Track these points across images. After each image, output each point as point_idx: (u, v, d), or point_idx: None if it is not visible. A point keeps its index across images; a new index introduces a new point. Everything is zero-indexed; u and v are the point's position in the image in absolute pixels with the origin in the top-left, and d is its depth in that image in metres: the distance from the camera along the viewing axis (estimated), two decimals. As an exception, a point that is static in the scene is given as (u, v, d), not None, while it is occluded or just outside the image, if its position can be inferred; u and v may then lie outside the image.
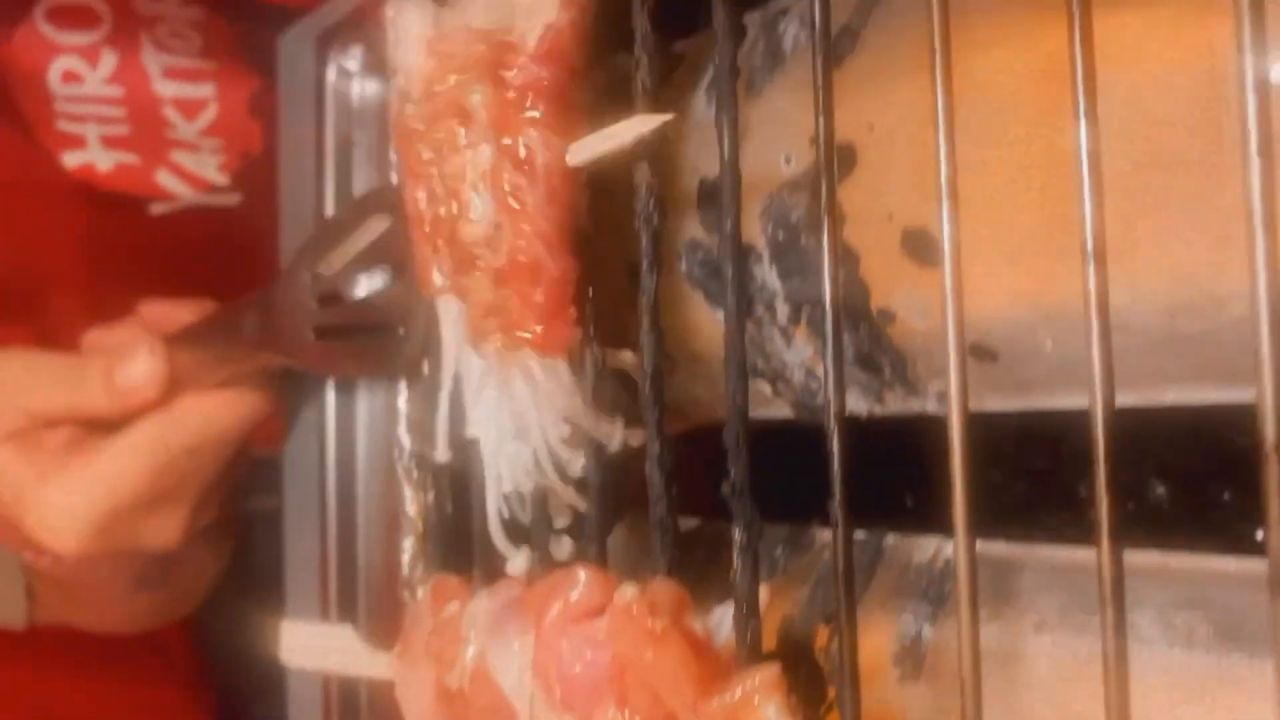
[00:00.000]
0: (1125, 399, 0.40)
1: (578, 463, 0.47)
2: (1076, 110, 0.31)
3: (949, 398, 0.35)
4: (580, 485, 0.47)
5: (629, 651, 0.39)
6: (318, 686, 0.60)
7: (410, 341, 0.54)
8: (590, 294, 0.46)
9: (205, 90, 0.81)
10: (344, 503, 0.61)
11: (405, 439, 0.55)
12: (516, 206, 0.46)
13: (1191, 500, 0.47)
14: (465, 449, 0.50)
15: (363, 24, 0.63)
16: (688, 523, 0.57)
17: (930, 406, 0.45)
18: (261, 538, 0.70)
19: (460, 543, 0.52)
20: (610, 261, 0.49)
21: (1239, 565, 0.39)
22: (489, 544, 0.49)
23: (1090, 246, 0.31)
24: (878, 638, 0.45)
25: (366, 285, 0.55)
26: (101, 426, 0.59)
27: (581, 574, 0.42)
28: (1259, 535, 0.30)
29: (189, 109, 0.81)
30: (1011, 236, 0.40)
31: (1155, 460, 0.48)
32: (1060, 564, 0.43)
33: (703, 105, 0.50)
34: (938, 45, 0.35)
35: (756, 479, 0.41)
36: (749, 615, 0.40)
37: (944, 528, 0.36)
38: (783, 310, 0.47)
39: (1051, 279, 0.39)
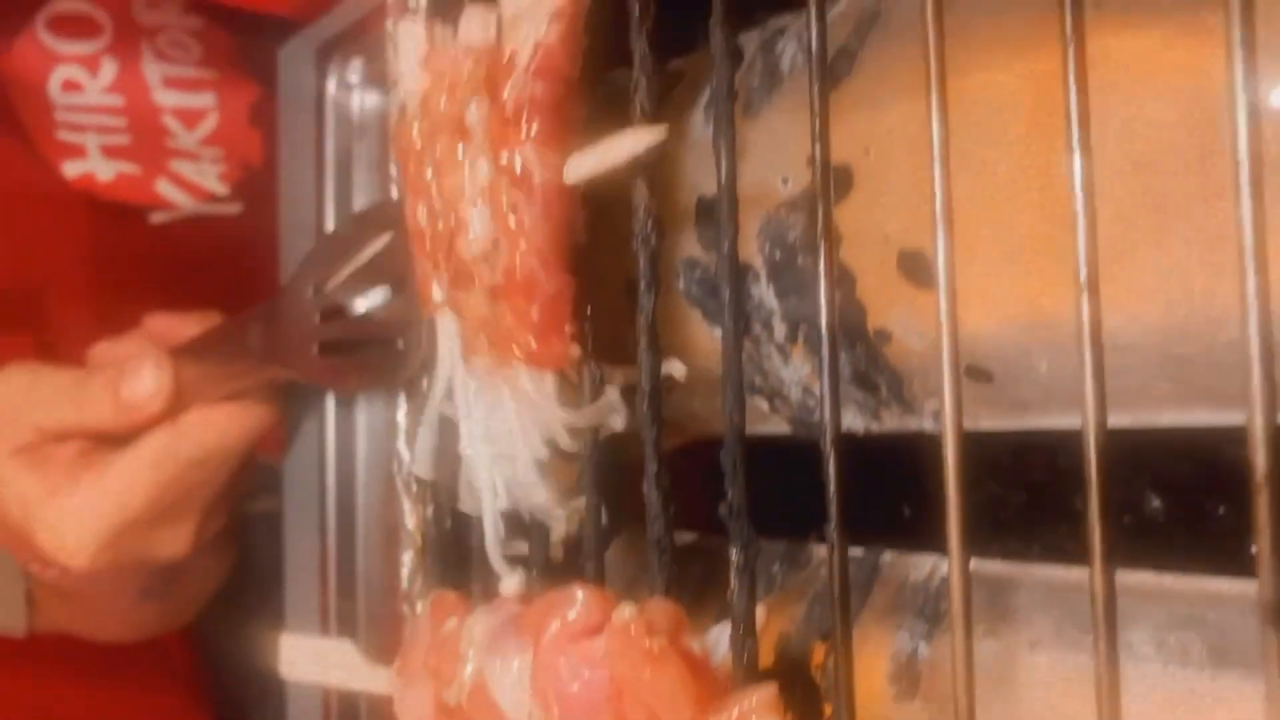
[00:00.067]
0: (1121, 419, 0.41)
1: (566, 479, 0.47)
2: (1070, 143, 0.31)
3: (943, 420, 0.35)
4: (570, 499, 0.48)
5: (626, 671, 0.39)
6: (317, 699, 0.60)
7: (411, 356, 0.54)
8: (588, 311, 0.46)
9: (205, 99, 0.81)
10: (344, 514, 0.61)
11: (405, 452, 0.55)
12: (514, 223, 0.46)
13: (1186, 521, 0.47)
14: (454, 465, 0.50)
15: (362, 37, 0.63)
16: (685, 537, 0.57)
17: (927, 425, 0.45)
18: (260, 544, 0.70)
19: (459, 558, 0.52)
20: (609, 278, 0.49)
21: (1233, 586, 0.40)
22: (487, 559, 0.49)
23: (1084, 276, 0.31)
24: (874, 656, 0.45)
25: (368, 300, 0.56)
26: (110, 440, 0.59)
27: (579, 593, 0.42)
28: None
29: (189, 118, 0.81)
30: (1007, 259, 0.40)
31: (1150, 481, 0.48)
32: (1056, 582, 0.44)
33: (700, 123, 0.50)
34: (933, 69, 0.35)
35: (754, 494, 0.41)
36: (746, 635, 0.40)
37: (941, 545, 0.36)
38: (780, 329, 0.47)
39: (1045, 302, 0.39)
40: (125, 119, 0.79)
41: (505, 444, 0.47)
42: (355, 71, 0.65)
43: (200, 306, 0.66)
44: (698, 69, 0.52)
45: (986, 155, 0.40)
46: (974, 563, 0.44)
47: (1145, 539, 0.47)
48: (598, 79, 0.48)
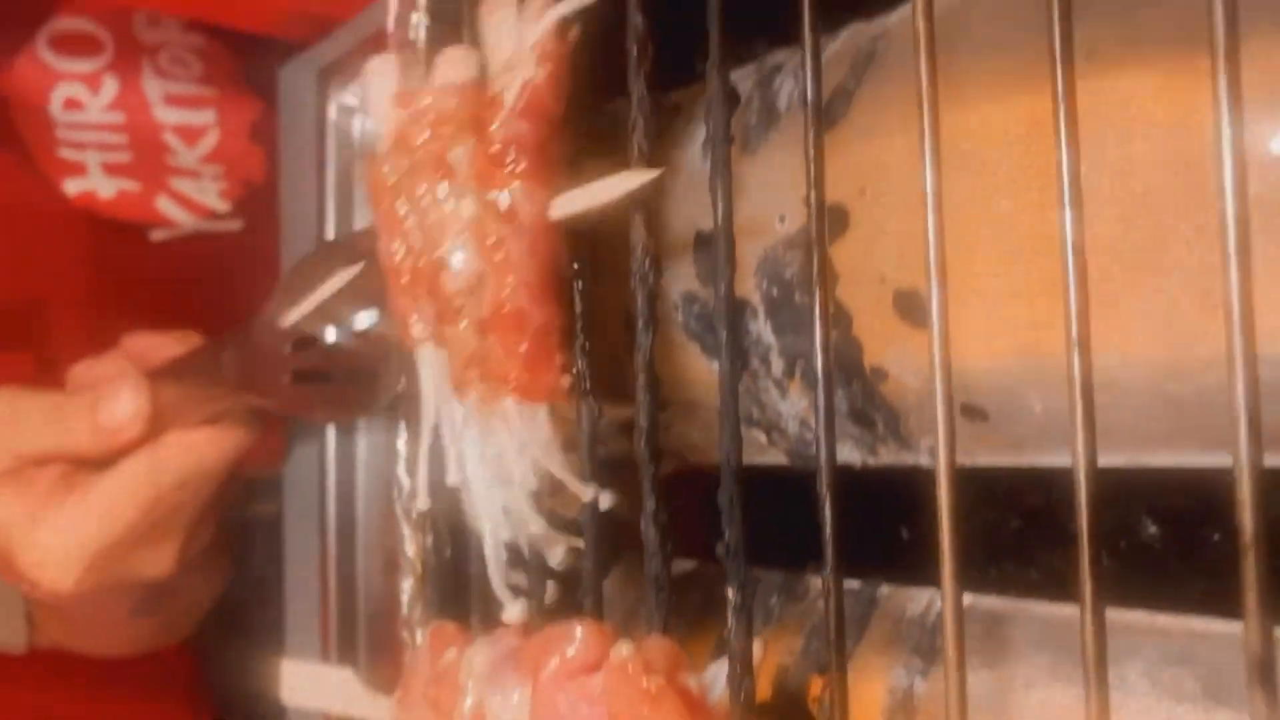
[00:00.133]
0: (1113, 459, 0.41)
1: (562, 512, 0.47)
2: (1062, 199, 0.32)
3: (938, 460, 0.36)
4: (568, 532, 0.48)
5: (624, 709, 0.40)
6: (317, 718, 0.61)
7: (383, 387, 0.54)
8: (586, 345, 0.47)
9: (206, 117, 0.81)
10: (344, 539, 0.62)
11: (404, 478, 0.56)
12: (500, 258, 0.46)
13: (1180, 559, 0.48)
14: (452, 495, 0.51)
15: (363, 62, 0.63)
16: (683, 565, 0.58)
17: (923, 460, 0.46)
18: (259, 562, 0.70)
19: (458, 587, 0.52)
20: (607, 310, 0.49)
21: (1226, 626, 0.40)
22: (487, 589, 0.49)
23: (1075, 334, 0.32)
24: (871, 690, 0.46)
25: (340, 330, 0.56)
26: (90, 463, 0.59)
27: (578, 629, 0.42)
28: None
29: (190, 135, 0.81)
30: (1002, 299, 0.40)
31: (1143, 519, 0.48)
32: (1052, 618, 0.44)
33: (698, 157, 0.50)
34: (926, 111, 0.36)
35: (751, 526, 0.42)
36: (743, 673, 0.40)
37: (937, 578, 0.36)
38: (777, 364, 0.47)
39: (1040, 342, 0.39)
40: (126, 136, 0.80)
41: (499, 472, 0.48)
42: (356, 96, 0.65)
43: (201, 324, 0.66)
44: (695, 102, 0.52)
45: (981, 199, 0.40)
46: (970, 597, 0.44)
47: (1139, 577, 0.48)
48: (589, 113, 0.48)
